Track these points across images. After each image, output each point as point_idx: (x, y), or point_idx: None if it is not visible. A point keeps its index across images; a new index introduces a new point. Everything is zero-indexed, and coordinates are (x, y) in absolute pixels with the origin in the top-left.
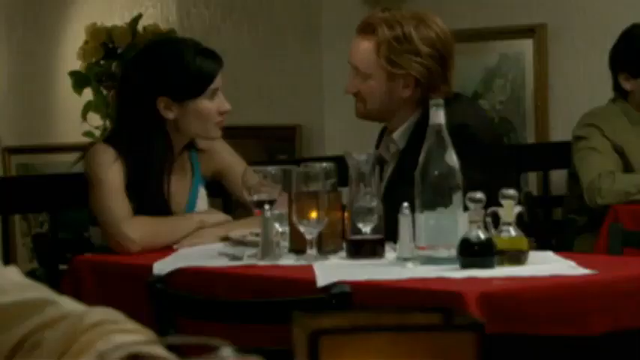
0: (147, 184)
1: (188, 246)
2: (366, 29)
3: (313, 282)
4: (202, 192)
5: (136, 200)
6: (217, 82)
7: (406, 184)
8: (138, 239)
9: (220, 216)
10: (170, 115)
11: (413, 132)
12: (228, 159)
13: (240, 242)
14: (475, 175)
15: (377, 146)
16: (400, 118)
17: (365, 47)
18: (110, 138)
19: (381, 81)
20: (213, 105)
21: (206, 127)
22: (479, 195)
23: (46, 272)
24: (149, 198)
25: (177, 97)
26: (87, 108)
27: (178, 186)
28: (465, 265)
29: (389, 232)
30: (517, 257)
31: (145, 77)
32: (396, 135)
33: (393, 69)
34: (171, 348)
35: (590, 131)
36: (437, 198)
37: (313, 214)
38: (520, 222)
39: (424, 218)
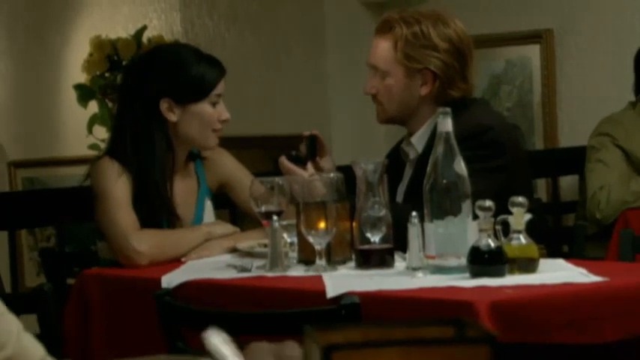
0: (151, 188)
1: (196, 258)
2: (384, 28)
3: (322, 293)
4: (208, 204)
5: (142, 209)
6: (220, 88)
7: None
8: (145, 252)
9: (228, 227)
10: (172, 117)
11: (431, 136)
12: (234, 170)
13: (249, 254)
14: (495, 178)
15: (393, 152)
16: (419, 120)
17: (383, 45)
18: (113, 150)
19: (399, 78)
20: (215, 112)
21: (205, 133)
22: (488, 203)
23: (54, 287)
24: (154, 203)
25: (180, 99)
26: (92, 121)
27: (185, 198)
28: (475, 274)
29: (402, 243)
30: (528, 265)
31: (148, 78)
32: (414, 139)
33: (410, 64)
34: None
35: (602, 141)
36: (446, 206)
37: (321, 225)
38: (530, 229)
39: (433, 227)
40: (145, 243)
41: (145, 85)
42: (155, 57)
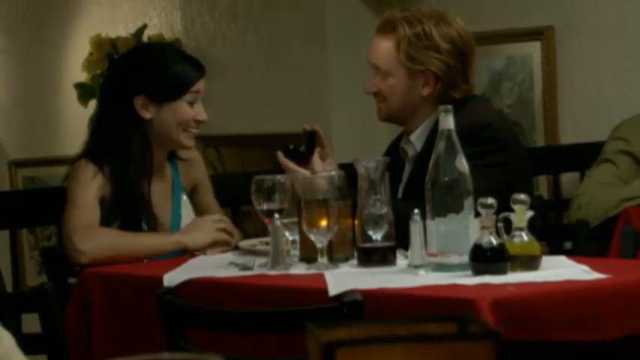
0: (126, 187)
1: (193, 249)
2: (386, 28)
3: (325, 291)
4: (185, 199)
5: (120, 209)
6: (198, 88)
7: (422, 191)
8: (88, 251)
9: (205, 233)
10: (147, 114)
11: (430, 134)
12: (202, 177)
13: (250, 252)
14: (495, 174)
15: (391, 150)
16: (419, 119)
17: (385, 45)
18: (90, 151)
19: (401, 78)
20: (191, 111)
21: (179, 132)
22: (490, 200)
23: (55, 286)
24: (129, 203)
25: (155, 97)
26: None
27: (161, 196)
28: (477, 272)
29: (404, 241)
30: (530, 263)
31: (124, 75)
32: (413, 137)
33: (413, 65)
34: None
35: (614, 148)
36: (448, 204)
37: (323, 223)
38: (532, 227)
39: (435, 225)
40: (89, 242)
41: (121, 82)
42: (134, 55)
